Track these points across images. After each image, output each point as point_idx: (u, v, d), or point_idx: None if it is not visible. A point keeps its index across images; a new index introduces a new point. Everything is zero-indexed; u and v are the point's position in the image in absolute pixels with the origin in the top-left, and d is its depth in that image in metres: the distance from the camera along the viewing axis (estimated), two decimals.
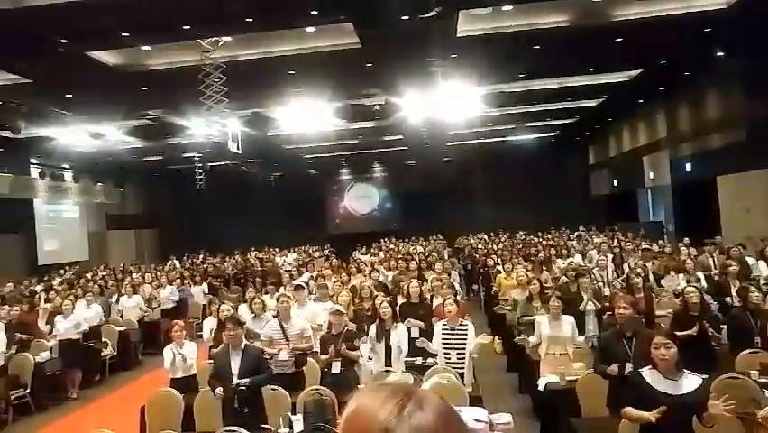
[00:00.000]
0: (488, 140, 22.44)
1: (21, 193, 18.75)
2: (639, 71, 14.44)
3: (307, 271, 11.66)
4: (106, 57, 11.36)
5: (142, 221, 26.69)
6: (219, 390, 4.85)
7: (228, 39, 10.69)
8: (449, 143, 20.94)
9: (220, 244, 22.76)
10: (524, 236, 19.29)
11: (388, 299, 6.52)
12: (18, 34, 9.34)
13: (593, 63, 13.62)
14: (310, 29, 10.31)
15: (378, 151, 23.50)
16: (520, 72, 13.47)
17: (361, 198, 28.03)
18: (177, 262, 18.86)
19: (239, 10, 9.13)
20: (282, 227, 23.53)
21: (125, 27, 9.72)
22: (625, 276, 8.29)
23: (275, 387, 5.27)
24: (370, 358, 6.02)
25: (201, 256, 20.84)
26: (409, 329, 6.24)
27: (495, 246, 16.23)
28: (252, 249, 21.69)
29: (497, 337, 9.47)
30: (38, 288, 13.33)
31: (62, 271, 17.61)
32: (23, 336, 8.34)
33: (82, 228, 23.30)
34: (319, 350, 6.02)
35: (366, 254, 16.45)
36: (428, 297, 7.63)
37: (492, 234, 20.89)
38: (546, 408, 5.69)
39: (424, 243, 20.22)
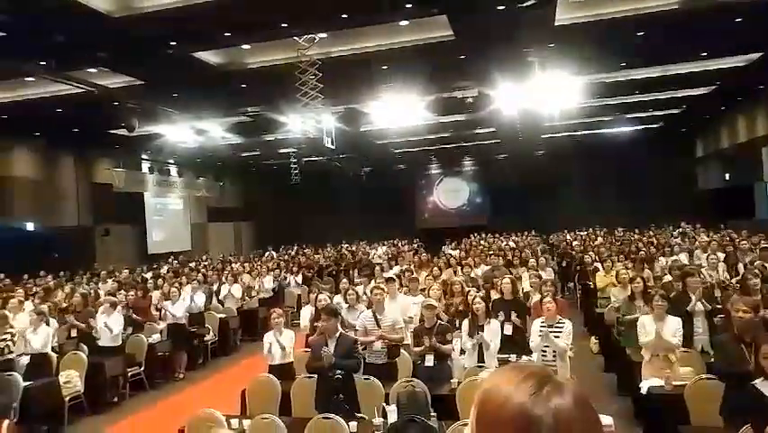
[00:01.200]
0: (584, 132, 21.54)
1: (134, 187, 20.23)
2: (759, 55, 13.28)
3: (397, 264, 11.73)
4: (209, 57, 11.96)
5: (240, 214, 28.00)
6: (327, 348, 4.97)
7: (323, 35, 10.93)
8: (543, 136, 20.32)
9: (312, 237, 23.47)
10: (623, 233, 18.39)
11: (482, 294, 6.41)
12: (134, 39, 10.05)
13: (705, 48, 12.67)
14: (404, 23, 10.33)
15: (468, 144, 23.20)
16: (622, 61, 12.81)
17: (450, 193, 27.78)
18: (274, 253, 19.60)
19: (334, 6, 9.30)
20: (371, 221, 23.86)
21: (227, 27, 10.19)
22: (740, 276, 7.67)
23: (368, 377, 5.34)
24: (462, 352, 5.95)
25: (295, 248, 21.56)
26: (502, 326, 6.12)
27: (592, 243, 15.57)
28: (343, 242, 22.16)
29: (593, 337, 9.10)
30: (148, 275, 14.33)
31: (169, 260, 18.82)
32: (138, 318, 8.99)
33: (185, 220, 24.84)
34: (411, 342, 6.04)
35: (455, 249, 16.33)
36: (522, 294, 7.44)
37: (590, 230, 20.08)
38: (650, 412, 5.39)
39: (515, 238, 19.78)
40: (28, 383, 6.48)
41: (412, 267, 10.10)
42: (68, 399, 6.92)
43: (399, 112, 13.51)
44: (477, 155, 25.98)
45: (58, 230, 18.29)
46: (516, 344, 6.08)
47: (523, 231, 21.41)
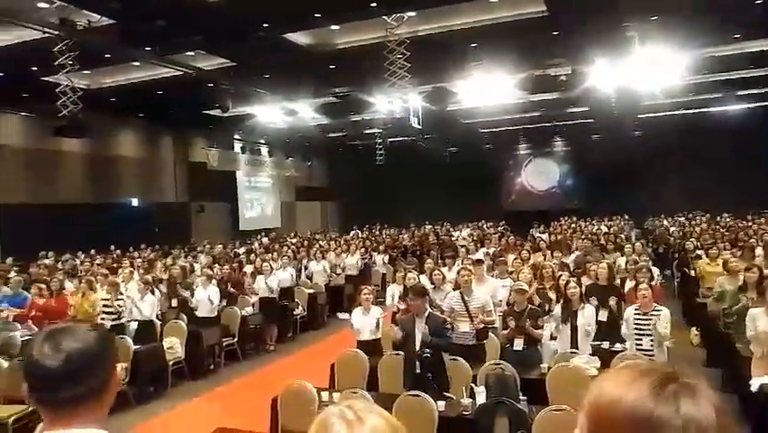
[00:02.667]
0: (687, 111, 20.12)
1: (226, 166, 21.14)
2: None
3: (483, 246, 11.56)
4: (299, 38, 12.17)
5: (327, 193, 28.62)
6: (397, 329, 5.11)
7: (412, 14, 10.83)
8: (640, 115, 19.19)
9: (396, 217, 23.58)
10: (729, 219, 17.13)
11: (575, 278, 6.18)
12: (228, 21, 10.39)
13: None
14: None
15: (560, 124, 22.34)
16: (735, 32, 11.81)
17: (539, 174, 26.83)
18: (359, 232, 19.90)
19: None
20: (456, 202, 23.58)
21: (318, 8, 10.30)
22: None
23: (455, 357, 5.31)
24: (553, 338, 5.79)
25: (378, 227, 21.78)
26: (597, 311, 5.89)
27: (693, 229, 14.64)
28: (426, 222, 22.12)
29: (694, 328, 8.58)
30: (240, 250, 14.97)
31: (259, 237, 19.56)
32: (233, 291, 9.41)
33: (275, 199, 25.71)
34: (500, 325, 5.94)
35: (544, 233, 15.87)
36: (618, 279, 7.11)
37: (689, 215, 18.86)
38: (760, 412, 5.01)
39: (608, 222, 18.94)
40: (137, 347, 6.98)
41: (499, 250, 9.89)
42: (171, 363, 7.39)
43: (488, 91, 13.20)
44: (568, 135, 24.90)
45: (157, 206, 19.49)
46: (610, 330, 5.82)
47: (615, 215, 20.45)
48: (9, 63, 12.07)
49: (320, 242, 16.01)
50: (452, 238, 17.14)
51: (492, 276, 7.60)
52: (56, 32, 9.84)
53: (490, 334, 6.02)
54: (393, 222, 22.72)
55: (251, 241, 18.29)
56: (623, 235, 13.32)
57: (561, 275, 6.90)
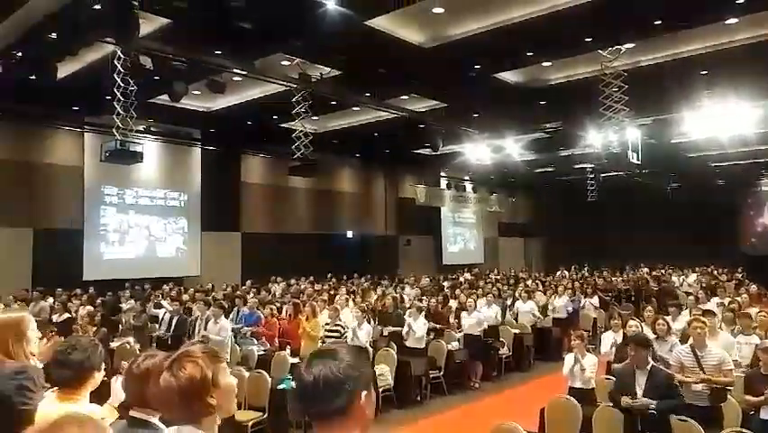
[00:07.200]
0: None
1: (433, 201, 21.92)
2: None
3: (715, 295, 10.26)
4: (510, 76, 12.28)
5: (530, 230, 27.98)
6: (627, 398, 4.64)
7: (630, 46, 10.28)
8: None
9: (606, 257, 22.07)
10: None
11: None
12: (441, 66, 10.91)
13: None
14: (731, 21, 9.08)
15: None
16: None
17: None
18: (566, 272, 19.05)
19: (647, 14, 8.66)
20: (678, 243, 21.31)
21: (530, 47, 10.32)
22: None
23: (685, 418, 4.76)
24: None
25: (587, 268, 20.61)
26: None
27: None
28: (642, 264, 20.35)
29: None
30: (445, 284, 15.28)
31: (462, 271, 19.79)
32: (437, 325, 9.62)
33: (478, 234, 25.87)
34: (743, 388, 5.18)
35: None
36: None
37: None
38: None
39: None
40: None
41: (739, 300, 8.69)
42: (381, 390, 7.75)
43: (721, 121, 11.84)
44: None
45: (369, 238, 20.90)
46: None
47: None
48: (256, 113, 14.12)
49: (525, 280, 15.63)
50: (673, 283, 15.51)
51: (732, 331, 6.70)
52: (294, 85, 11.26)
53: (730, 397, 5.28)
54: (602, 262, 21.29)
55: (457, 275, 18.57)
56: None
57: None
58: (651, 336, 6.62)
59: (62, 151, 14.35)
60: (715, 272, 17.88)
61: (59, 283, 12.31)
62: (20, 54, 9.06)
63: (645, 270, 19.28)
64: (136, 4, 6.56)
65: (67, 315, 9.86)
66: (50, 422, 1.16)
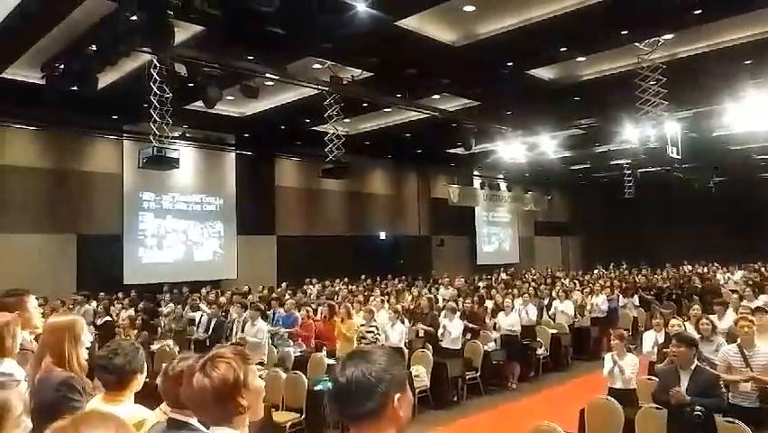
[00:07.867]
0: None
1: (466, 201, 21.75)
2: None
3: (764, 293, 9.90)
4: (543, 72, 12.10)
5: (567, 228, 27.53)
6: (676, 389, 4.52)
7: (668, 37, 10.02)
8: None
9: (646, 255, 21.55)
10: None
11: None
12: (473, 64, 10.82)
13: None
14: None
15: None
16: None
17: None
18: (603, 271, 18.68)
19: (686, 3, 8.43)
20: (723, 240, 20.64)
21: (564, 42, 10.15)
22: None
23: (732, 420, 4.60)
24: None
25: (624, 266, 20.15)
26: None
27: None
28: (685, 262, 19.80)
29: None
30: (481, 284, 15.14)
31: (498, 271, 19.58)
32: (473, 325, 9.54)
33: (513, 233, 25.57)
34: None
35: None
36: None
37: None
38: None
39: None
40: None
41: None
42: (417, 391, 7.72)
43: (766, 111, 11.42)
44: None
45: (402, 239, 20.86)
46: None
47: None
48: (288, 117, 14.25)
49: (562, 280, 15.38)
50: (718, 281, 15.04)
51: None
52: (325, 88, 11.33)
53: None
54: (640, 260, 20.79)
55: (493, 275, 18.38)
56: None
57: None
58: (695, 335, 6.44)
59: (102, 158, 14.76)
60: (762, 269, 17.26)
61: (101, 287, 12.69)
62: (62, 66, 9.40)
63: (688, 267, 18.76)
64: (171, 13, 6.68)
65: (108, 318, 10.12)
66: (74, 417, 1.18)
